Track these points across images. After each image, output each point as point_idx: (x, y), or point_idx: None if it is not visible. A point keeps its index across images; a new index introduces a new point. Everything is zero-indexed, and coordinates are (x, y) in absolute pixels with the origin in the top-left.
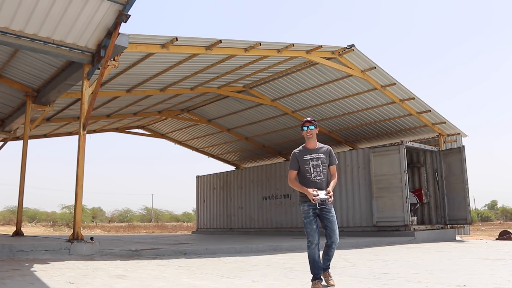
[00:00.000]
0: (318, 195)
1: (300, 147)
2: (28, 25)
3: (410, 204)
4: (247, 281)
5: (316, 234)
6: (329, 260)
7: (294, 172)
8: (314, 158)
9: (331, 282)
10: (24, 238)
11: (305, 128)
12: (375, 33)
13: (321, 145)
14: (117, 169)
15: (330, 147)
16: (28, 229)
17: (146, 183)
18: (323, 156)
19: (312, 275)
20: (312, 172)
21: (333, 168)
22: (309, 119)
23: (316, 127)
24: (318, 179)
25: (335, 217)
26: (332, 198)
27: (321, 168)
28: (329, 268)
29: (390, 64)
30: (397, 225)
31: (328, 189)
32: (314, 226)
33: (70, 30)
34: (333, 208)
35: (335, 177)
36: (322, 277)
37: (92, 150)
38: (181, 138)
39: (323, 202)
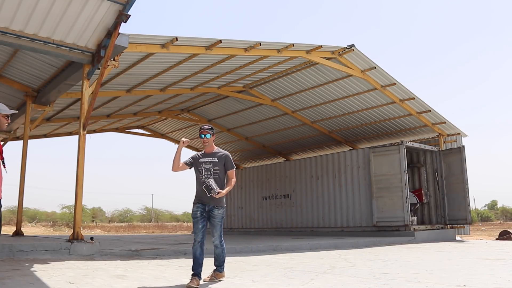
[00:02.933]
0: (188, 141)
1: (201, 152)
2: (28, 25)
3: (410, 204)
4: (247, 281)
5: (200, 233)
6: (216, 260)
7: (183, 163)
8: (207, 162)
9: (207, 278)
10: (24, 238)
11: (202, 136)
12: (375, 33)
13: (219, 150)
14: (117, 169)
15: (227, 153)
16: (28, 229)
17: (146, 183)
18: (217, 160)
19: (191, 271)
20: (203, 173)
21: (231, 172)
22: (206, 127)
23: (212, 135)
24: (207, 181)
25: (219, 223)
26: (220, 194)
27: (211, 171)
28: (217, 267)
29: (390, 64)
30: (397, 225)
31: (219, 189)
32: (200, 226)
33: (70, 30)
34: (220, 214)
35: (232, 182)
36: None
37: (92, 150)
38: (181, 138)
39: (210, 188)
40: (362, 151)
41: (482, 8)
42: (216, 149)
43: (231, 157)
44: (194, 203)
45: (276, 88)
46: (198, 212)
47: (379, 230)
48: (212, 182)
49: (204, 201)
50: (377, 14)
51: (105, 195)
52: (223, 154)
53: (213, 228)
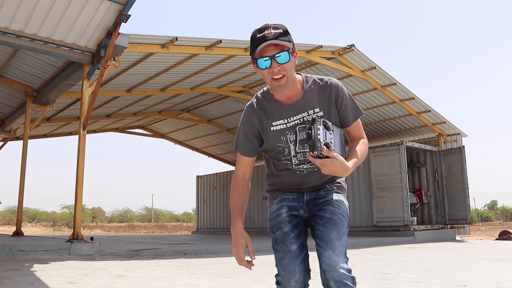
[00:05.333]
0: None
1: (264, 96)
2: (28, 25)
3: (410, 204)
4: (247, 281)
5: (298, 264)
6: None
7: (245, 160)
8: (294, 123)
9: None
10: (24, 238)
11: (263, 65)
12: (376, 34)
13: (311, 82)
14: (117, 169)
15: (333, 82)
16: (28, 229)
17: (146, 183)
18: (318, 110)
19: None
20: (291, 152)
21: (356, 126)
22: (271, 31)
23: (293, 54)
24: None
25: (341, 222)
26: (335, 162)
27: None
28: None
29: (390, 64)
30: (397, 225)
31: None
32: (295, 246)
33: (70, 30)
34: (343, 205)
35: (361, 147)
36: None
37: (92, 150)
38: (181, 138)
39: (315, 141)
40: None
41: (483, 8)
42: (305, 83)
43: (345, 89)
44: (271, 197)
45: None
46: (286, 213)
47: (379, 230)
48: (320, 128)
49: (301, 184)
50: (377, 14)
51: (105, 195)
52: (327, 85)
53: (328, 234)
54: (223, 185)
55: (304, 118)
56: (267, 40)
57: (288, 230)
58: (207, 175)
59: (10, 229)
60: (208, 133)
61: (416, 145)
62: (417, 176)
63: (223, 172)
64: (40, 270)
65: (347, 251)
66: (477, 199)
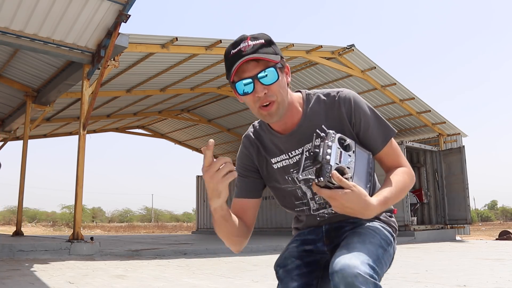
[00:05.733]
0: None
1: (260, 128)
2: (28, 25)
3: (410, 204)
4: (247, 281)
5: None
6: None
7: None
8: (295, 158)
9: None
10: (24, 238)
11: (242, 87)
12: (376, 34)
13: (316, 98)
14: (117, 169)
15: (347, 94)
16: (28, 229)
17: (146, 183)
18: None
19: None
20: (298, 189)
21: (389, 151)
22: (248, 42)
23: (282, 69)
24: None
25: (376, 232)
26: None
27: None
28: None
29: (391, 64)
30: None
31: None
32: (293, 285)
33: (70, 30)
34: (380, 230)
35: (401, 176)
36: None
37: (92, 150)
38: (181, 138)
39: (320, 163)
40: None
41: (483, 8)
42: (306, 103)
43: (362, 102)
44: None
45: None
46: (296, 248)
47: None
48: (332, 147)
49: (316, 223)
50: (377, 14)
51: (105, 195)
52: (335, 101)
53: (348, 241)
54: None
55: (311, 150)
56: (244, 56)
57: (293, 267)
58: None
59: (10, 229)
60: (208, 133)
61: (416, 145)
62: (417, 176)
63: None
64: (40, 270)
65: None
66: (477, 199)
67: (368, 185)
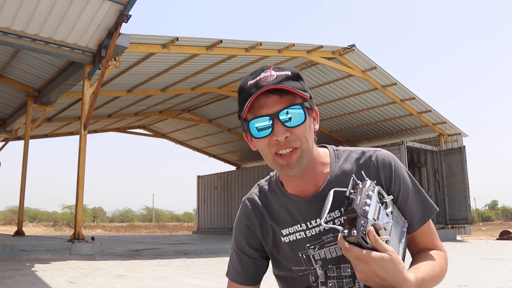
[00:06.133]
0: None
1: (269, 184)
2: (29, 25)
3: None
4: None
5: None
6: None
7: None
8: (321, 232)
9: None
10: (25, 238)
11: (263, 123)
12: (376, 34)
13: (349, 159)
14: (118, 169)
15: (385, 158)
16: (29, 229)
17: (147, 183)
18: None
19: None
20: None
21: (427, 231)
22: (272, 75)
23: (310, 111)
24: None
25: None
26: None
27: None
28: None
29: (391, 64)
30: None
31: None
32: None
33: (71, 30)
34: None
35: (437, 260)
36: None
37: (93, 150)
38: (182, 138)
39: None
40: None
41: (483, 9)
42: (335, 160)
43: (403, 168)
44: None
45: None
46: None
47: None
48: (372, 197)
49: None
50: (378, 14)
51: (106, 195)
52: (371, 162)
53: None
54: (223, 185)
55: (336, 220)
56: (263, 86)
57: None
58: (208, 175)
59: (11, 229)
60: (209, 133)
61: (417, 145)
62: (417, 176)
63: (224, 172)
64: (41, 270)
65: None
66: (478, 199)
67: (403, 258)
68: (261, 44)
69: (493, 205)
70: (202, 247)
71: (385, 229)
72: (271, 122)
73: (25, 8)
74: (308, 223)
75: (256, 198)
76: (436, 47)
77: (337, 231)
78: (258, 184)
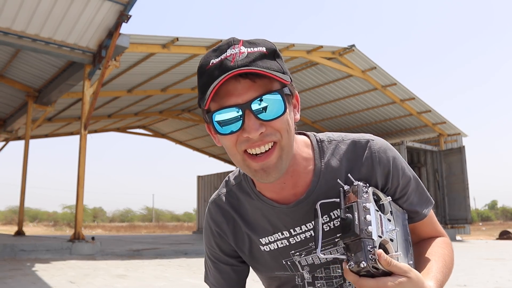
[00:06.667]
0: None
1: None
2: (29, 25)
3: None
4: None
5: None
6: None
7: None
8: (303, 237)
9: None
10: (26, 238)
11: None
12: (376, 34)
13: (343, 150)
14: (118, 169)
15: (383, 156)
16: (29, 229)
17: (147, 183)
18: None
19: None
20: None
21: (427, 223)
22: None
23: (289, 102)
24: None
25: None
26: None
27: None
28: None
29: (391, 65)
30: None
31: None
32: None
33: (72, 30)
34: None
35: (443, 253)
36: None
37: (93, 150)
38: (182, 138)
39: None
40: None
41: (483, 9)
42: (319, 155)
43: (400, 158)
44: None
45: None
46: None
47: None
48: (370, 209)
49: None
50: (378, 14)
51: (106, 195)
52: (365, 153)
53: None
54: None
55: (324, 226)
56: (231, 69)
57: None
58: (208, 175)
59: (12, 229)
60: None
61: (417, 145)
62: (417, 176)
63: (224, 172)
64: (42, 270)
65: None
66: (478, 199)
67: (411, 262)
68: None
69: (492, 205)
70: (202, 247)
71: (391, 240)
72: (240, 113)
73: (25, 8)
74: (291, 230)
75: (226, 201)
76: (436, 47)
77: (332, 242)
78: (227, 182)
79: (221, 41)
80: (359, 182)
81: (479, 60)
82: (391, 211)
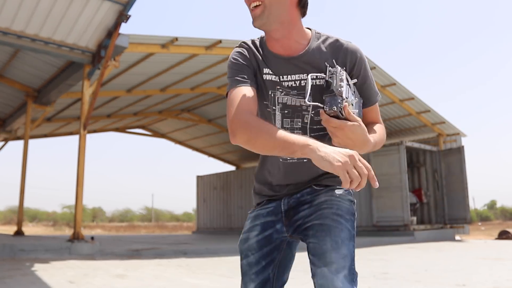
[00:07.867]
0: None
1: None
2: (29, 25)
3: (410, 204)
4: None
5: None
6: None
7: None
8: (293, 82)
9: None
10: (25, 238)
11: None
12: (376, 34)
13: (320, 38)
14: (117, 169)
15: (349, 46)
16: (29, 229)
17: (146, 183)
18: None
19: None
20: (281, 118)
21: (373, 110)
22: None
23: None
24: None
25: (340, 214)
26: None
27: (308, 119)
28: None
29: (390, 64)
30: (397, 225)
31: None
32: (251, 286)
33: (71, 30)
34: (347, 203)
35: (378, 133)
36: None
37: (92, 150)
38: (181, 138)
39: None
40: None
41: (484, 9)
42: (314, 39)
43: (365, 59)
44: (253, 206)
45: None
46: (256, 237)
47: (379, 230)
48: (344, 80)
49: (280, 180)
50: (377, 15)
51: (105, 195)
52: (342, 48)
53: (321, 245)
54: (223, 185)
55: (302, 81)
56: None
57: (253, 261)
58: (207, 175)
59: (11, 229)
60: (208, 133)
61: (416, 145)
62: (416, 176)
63: (223, 172)
64: (41, 270)
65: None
66: (477, 199)
67: None
68: None
69: (491, 205)
70: (202, 247)
71: (352, 104)
72: None
73: (25, 8)
74: (280, 77)
75: (249, 42)
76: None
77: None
78: (251, 39)
79: (220, 41)
80: (339, 67)
81: (478, 60)
82: (354, 92)
